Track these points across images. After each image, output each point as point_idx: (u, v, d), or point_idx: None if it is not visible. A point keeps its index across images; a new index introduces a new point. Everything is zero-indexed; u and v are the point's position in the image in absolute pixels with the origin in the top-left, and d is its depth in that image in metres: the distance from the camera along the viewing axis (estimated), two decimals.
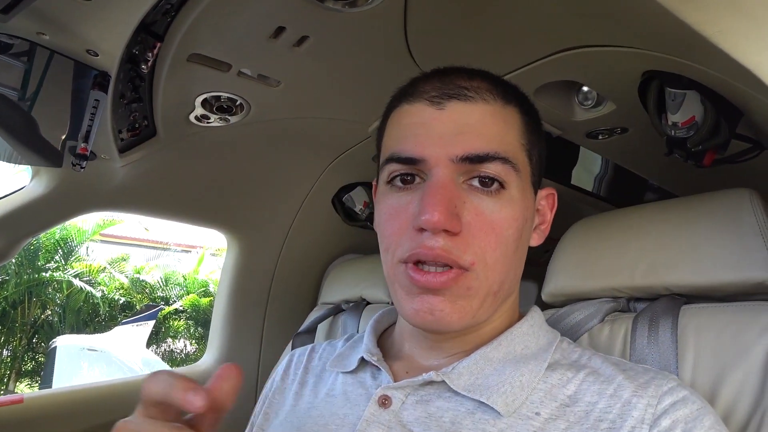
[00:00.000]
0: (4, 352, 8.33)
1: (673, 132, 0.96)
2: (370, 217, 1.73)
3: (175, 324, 9.88)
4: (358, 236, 1.90)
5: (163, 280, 10.26)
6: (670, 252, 0.84)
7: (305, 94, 1.18)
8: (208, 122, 1.25)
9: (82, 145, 1.05)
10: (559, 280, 0.96)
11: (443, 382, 0.64)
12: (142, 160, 1.29)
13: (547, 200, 0.75)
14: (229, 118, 1.24)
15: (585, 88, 1.14)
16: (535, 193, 0.71)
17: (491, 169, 0.62)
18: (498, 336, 0.69)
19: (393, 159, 0.65)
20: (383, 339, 0.81)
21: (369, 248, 1.89)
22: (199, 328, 9.88)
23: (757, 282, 0.75)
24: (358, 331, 1.44)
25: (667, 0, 0.58)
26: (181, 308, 9.82)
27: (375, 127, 1.32)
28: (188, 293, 10.01)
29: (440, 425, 0.61)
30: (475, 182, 0.63)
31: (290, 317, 1.83)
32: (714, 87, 0.86)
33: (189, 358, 9.79)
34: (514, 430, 0.59)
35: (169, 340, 9.97)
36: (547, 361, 0.66)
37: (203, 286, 10.21)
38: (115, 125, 1.09)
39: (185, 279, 10.39)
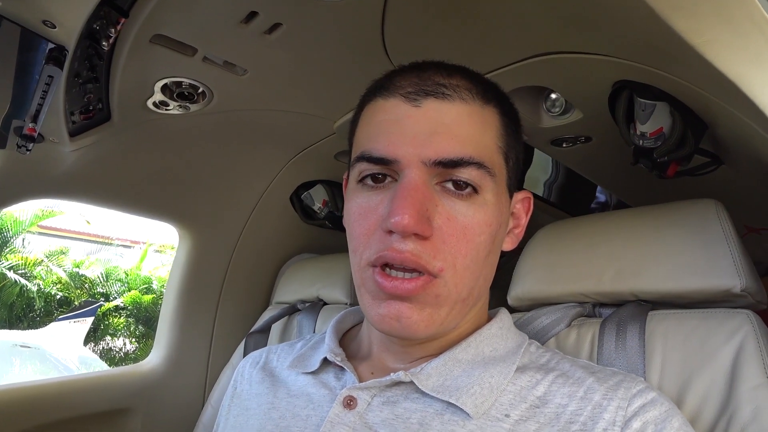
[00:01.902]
0: None
1: (641, 142, 0.97)
2: (329, 216, 1.70)
3: (115, 321, 9.56)
4: (315, 236, 1.87)
5: (104, 275, 9.92)
6: (637, 259, 0.85)
7: (272, 85, 1.14)
8: (166, 109, 1.19)
9: (30, 125, 0.98)
10: (525, 284, 0.96)
11: (411, 382, 0.63)
12: (93, 145, 1.22)
13: (522, 204, 0.74)
14: (189, 106, 1.19)
15: (553, 95, 1.14)
16: (511, 196, 0.70)
17: (465, 173, 0.61)
18: (467, 338, 0.68)
19: (364, 158, 0.63)
20: (346, 340, 0.79)
21: (326, 248, 1.86)
22: (140, 327, 9.59)
23: (723, 290, 0.76)
24: (314, 332, 1.41)
25: (659, 7, 0.57)
26: (121, 305, 9.51)
27: (341, 123, 1.29)
28: (130, 290, 9.70)
29: (408, 427, 0.60)
30: (449, 185, 0.61)
31: (242, 316, 1.77)
32: (684, 99, 0.87)
33: (128, 357, 9.48)
34: None
35: (108, 338, 9.63)
36: (516, 364, 0.66)
37: (146, 283, 9.91)
38: (68, 106, 1.02)
39: (127, 275, 10.08)
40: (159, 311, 1.72)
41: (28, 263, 8.83)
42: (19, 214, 8.50)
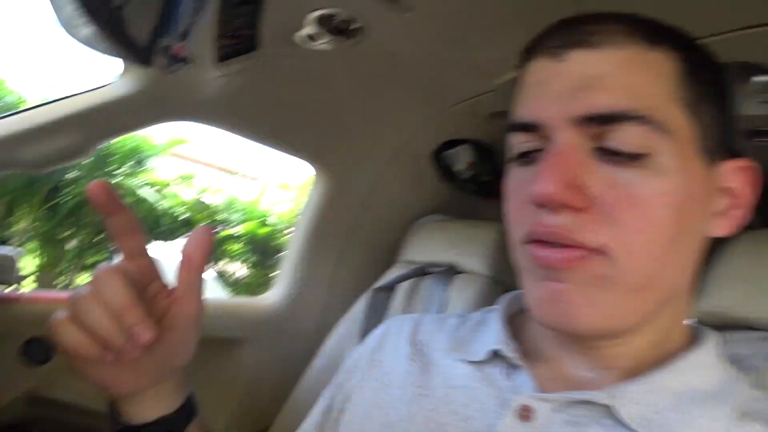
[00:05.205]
0: (73, 244, 8.67)
1: None
2: (473, 179, 1.56)
3: (232, 247, 10.07)
4: (453, 198, 1.75)
5: (226, 204, 10.42)
6: None
7: (436, 28, 1.01)
8: (316, 43, 1.09)
9: (179, 44, 0.92)
10: (722, 298, 0.77)
11: (608, 405, 0.50)
12: (237, 73, 1.15)
13: (738, 174, 0.54)
14: (340, 42, 1.08)
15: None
16: (716, 164, 0.52)
17: (626, 132, 0.47)
18: (673, 360, 0.53)
19: (510, 127, 0.54)
20: (511, 328, 0.66)
21: (462, 213, 1.73)
22: (254, 256, 10.05)
23: None
24: (443, 301, 1.30)
25: None
26: (239, 233, 9.98)
27: (503, 81, 1.15)
28: (248, 220, 10.15)
29: None
30: (609, 147, 0.48)
31: (364, 268, 1.71)
32: None
33: (239, 283, 9.99)
34: None
35: (223, 261, 10.18)
36: (733, 407, 0.50)
37: (264, 216, 10.32)
38: (219, 28, 0.95)
39: (247, 206, 10.52)
40: (272, 244, 1.70)
41: (159, 183, 9.43)
42: (154, 139, 9.04)
